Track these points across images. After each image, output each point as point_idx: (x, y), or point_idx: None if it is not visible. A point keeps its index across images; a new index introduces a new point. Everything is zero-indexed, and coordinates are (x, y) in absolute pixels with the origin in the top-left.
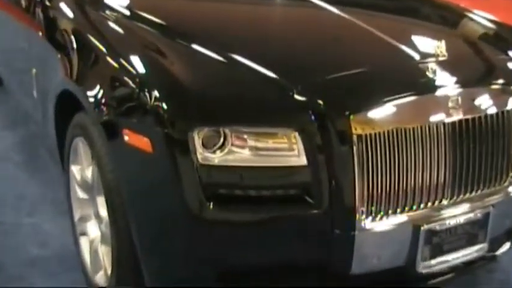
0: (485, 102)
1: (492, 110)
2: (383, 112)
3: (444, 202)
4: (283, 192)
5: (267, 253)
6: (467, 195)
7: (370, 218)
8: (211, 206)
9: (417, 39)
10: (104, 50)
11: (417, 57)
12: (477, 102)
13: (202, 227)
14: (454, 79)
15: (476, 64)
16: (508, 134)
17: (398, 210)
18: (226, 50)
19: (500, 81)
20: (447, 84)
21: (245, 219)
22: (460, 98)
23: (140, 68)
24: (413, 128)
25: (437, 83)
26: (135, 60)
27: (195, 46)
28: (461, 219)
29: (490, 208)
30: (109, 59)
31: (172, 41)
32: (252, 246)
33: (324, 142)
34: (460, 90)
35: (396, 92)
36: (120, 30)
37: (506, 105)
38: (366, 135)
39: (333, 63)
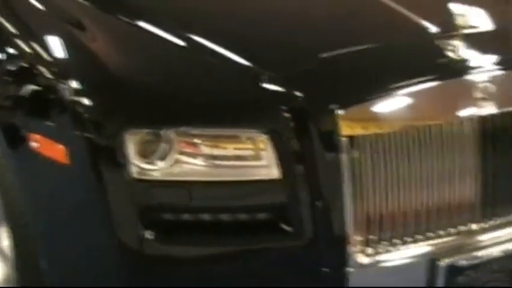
0: None
1: None
2: (383, 106)
3: (473, 227)
4: (249, 217)
5: None
6: (505, 217)
7: (369, 250)
8: (151, 237)
9: (435, 6)
10: (13, 30)
11: (433, 30)
12: None
13: (138, 265)
14: (485, 59)
15: None
16: None
17: (408, 239)
18: (178, 27)
19: None
20: (475, 66)
21: (197, 254)
22: (492, 85)
23: (59, 53)
24: (427, 127)
25: (460, 65)
26: (53, 42)
27: (139, 23)
28: (497, 251)
29: None
30: (18, 41)
31: (109, 17)
32: None
33: (303, 148)
34: (492, 73)
35: (403, 79)
36: (38, 4)
37: None
38: (360, 138)
39: (319, 42)
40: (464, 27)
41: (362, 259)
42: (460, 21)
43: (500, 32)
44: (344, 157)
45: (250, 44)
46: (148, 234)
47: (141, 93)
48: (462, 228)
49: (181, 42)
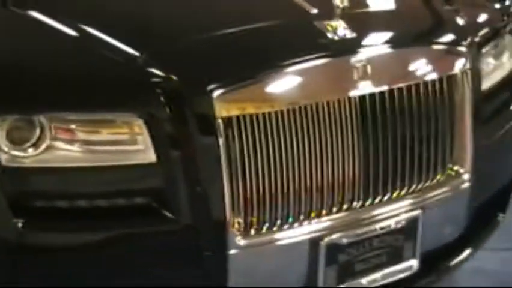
0: (410, 69)
1: (424, 79)
2: (260, 87)
3: (355, 206)
4: (126, 202)
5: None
6: (387, 195)
7: (250, 232)
8: (23, 226)
9: None
10: None
11: (315, 11)
12: (398, 69)
13: (14, 256)
14: (364, 39)
15: (406, 17)
16: (448, 110)
17: (289, 219)
18: (53, 13)
19: (440, 40)
20: (353, 46)
21: (74, 241)
22: (370, 65)
23: None
24: (306, 107)
25: (339, 45)
26: None
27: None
28: (379, 229)
29: (418, 212)
30: None
31: None
32: (88, 278)
33: (179, 131)
34: (370, 54)
35: (280, 60)
36: None
37: (446, 70)
38: (237, 120)
39: (195, 23)
40: (345, 8)
41: (243, 241)
42: (341, 2)
43: (382, 14)
44: (221, 140)
45: (125, 27)
46: (21, 223)
47: (11, 79)
48: (344, 206)
49: (54, 27)
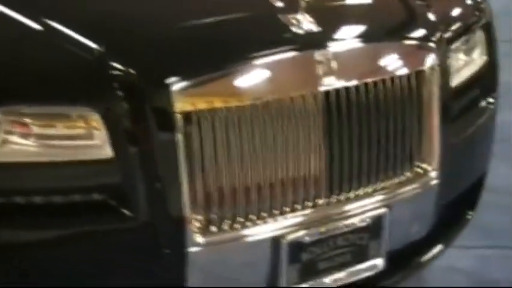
0: (377, 64)
1: (391, 75)
2: (221, 81)
3: (319, 203)
4: (83, 198)
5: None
6: (352, 193)
7: (210, 230)
8: None
9: None
10: None
11: (280, 4)
12: (364, 64)
13: None
14: (329, 34)
15: (373, 12)
16: (415, 106)
17: (251, 217)
18: (13, 6)
19: (408, 35)
20: (318, 40)
21: (29, 238)
22: (335, 60)
23: None
24: (268, 102)
25: (304, 39)
26: None
27: None
28: (343, 227)
29: (384, 210)
30: None
31: None
32: (43, 276)
33: (137, 126)
34: (335, 49)
35: (242, 54)
36: None
37: (414, 66)
38: (197, 114)
39: (156, 16)
40: (312, 2)
41: (203, 239)
42: None
43: (349, 8)
44: (179, 135)
45: (83, 19)
46: None
47: None
48: (308, 204)
49: (9, 19)
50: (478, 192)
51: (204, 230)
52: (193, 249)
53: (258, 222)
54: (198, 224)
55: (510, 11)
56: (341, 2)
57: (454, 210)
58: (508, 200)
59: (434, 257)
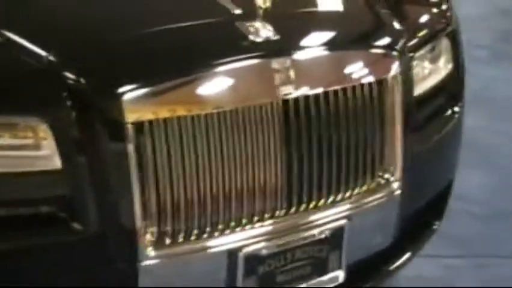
0: (337, 73)
1: (351, 84)
2: (175, 90)
3: (277, 215)
4: (31, 210)
5: None
6: (312, 204)
7: (164, 242)
8: None
9: None
10: None
11: (239, 12)
12: (324, 73)
13: None
14: (287, 43)
15: (334, 19)
16: (377, 115)
17: (207, 229)
18: None
19: (370, 43)
20: (277, 49)
21: None
22: (294, 69)
23: None
24: (224, 112)
25: (263, 48)
26: None
27: None
28: (302, 239)
29: (344, 221)
30: None
31: None
32: None
33: (86, 137)
34: (294, 57)
35: (197, 62)
36: None
37: (376, 75)
38: (149, 124)
39: (112, 22)
40: (271, 9)
41: (156, 252)
42: (264, 2)
43: (310, 15)
44: (130, 146)
45: (32, 26)
46: None
47: None
48: (266, 215)
49: None
50: (444, 201)
51: (157, 243)
52: (145, 262)
53: (214, 234)
54: (150, 237)
55: (488, 16)
56: (303, 10)
57: (420, 219)
58: (478, 208)
59: (400, 267)
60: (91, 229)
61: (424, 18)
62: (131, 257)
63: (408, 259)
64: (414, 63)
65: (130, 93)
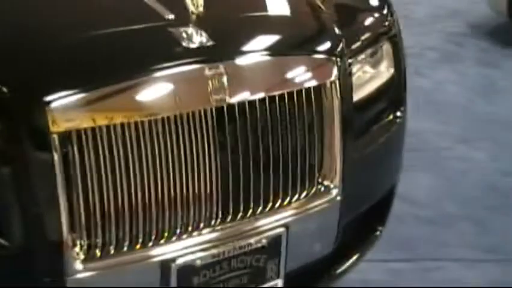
0: (272, 79)
1: (288, 90)
2: (104, 98)
3: (213, 224)
4: None
5: None
6: (249, 213)
7: (94, 254)
8: None
9: None
10: None
11: (172, 17)
12: (259, 79)
13: None
14: (225, 47)
15: (271, 24)
16: (316, 122)
17: (139, 240)
18: None
19: (307, 48)
20: (212, 56)
21: None
22: (228, 75)
23: None
24: (155, 120)
25: (196, 52)
26: None
27: None
28: (238, 248)
29: (282, 230)
30: None
31: None
32: None
33: (11, 147)
34: (229, 63)
35: (128, 69)
36: None
37: (313, 80)
38: (76, 134)
39: (39, 28)
40: (205, 15)
41: (85, 265)
42: (196, 8)
43: (247, 20)
44: (56, 156)
45: None
46: None
47: None
48: (201, 225)
49: None
50: (387, 206)
51: (86, 256)
52: (74, 276)
53: (147, 245)
54: (78, 250)
55: (437, 18)
56: (241, 15)
57: (363, 224)
58: (426, 211)
59: (343, 273)
60: (15, 243)
61: (365, 23)
62: (58, 271)
63: (351, 265)
64: (355, 68)
65: (55, 102)
